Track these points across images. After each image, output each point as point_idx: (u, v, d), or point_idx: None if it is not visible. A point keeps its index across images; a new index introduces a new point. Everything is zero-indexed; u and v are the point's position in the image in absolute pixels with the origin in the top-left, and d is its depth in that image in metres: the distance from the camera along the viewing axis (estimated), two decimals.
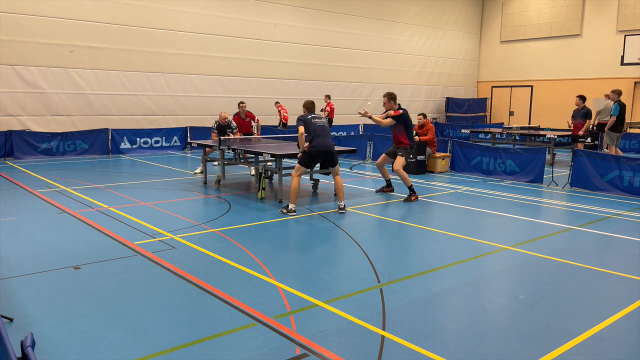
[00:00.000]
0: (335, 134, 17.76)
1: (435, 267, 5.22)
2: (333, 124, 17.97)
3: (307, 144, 7.78)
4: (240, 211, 7.69)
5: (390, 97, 8.72)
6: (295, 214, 7.49)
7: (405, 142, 8.85)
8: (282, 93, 19.09)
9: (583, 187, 9.98)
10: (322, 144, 7.70)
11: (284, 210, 7.53)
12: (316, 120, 7.83)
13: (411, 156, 9.46)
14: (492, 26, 25.68)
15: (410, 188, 8.70)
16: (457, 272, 5.08)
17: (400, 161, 8.80)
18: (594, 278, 4.99)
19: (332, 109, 17.71)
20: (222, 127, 11.08)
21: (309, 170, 8.19)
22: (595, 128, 16.78)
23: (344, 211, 7.68)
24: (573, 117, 13.93)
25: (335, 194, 9.07)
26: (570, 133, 13.92)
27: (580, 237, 6.55)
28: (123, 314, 3.99)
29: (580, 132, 13.13)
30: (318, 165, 9.37)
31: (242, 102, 12.35)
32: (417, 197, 8.68)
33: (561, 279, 4.95)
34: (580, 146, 12.96)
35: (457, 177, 11.56)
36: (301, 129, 7.74)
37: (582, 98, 13.12)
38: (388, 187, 9.36)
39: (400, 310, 4.14)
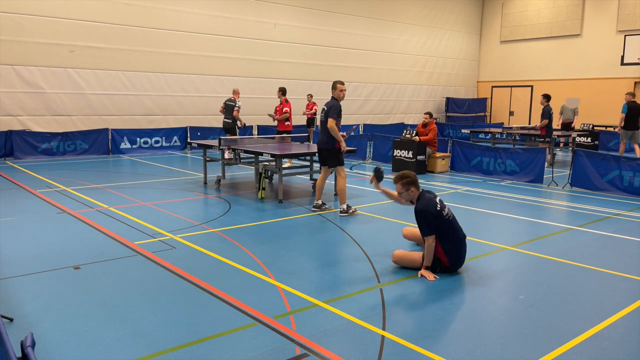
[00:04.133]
0: None
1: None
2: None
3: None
4: (240, 211, 7.69)
5: (404, 181, 5.14)
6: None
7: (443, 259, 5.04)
8: None
9: (583, 187, 9.97)
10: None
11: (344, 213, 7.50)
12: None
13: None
14: (492, 26, 25.68)
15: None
16: (457, 272, 5.08)
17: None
18: (594, 278, 4.99)
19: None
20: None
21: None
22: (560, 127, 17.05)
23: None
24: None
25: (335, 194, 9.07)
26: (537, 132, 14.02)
27: (580, 237, 6.55)
28: (123, 314, 3.99)
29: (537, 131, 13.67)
30: (318, 165, 9.40)
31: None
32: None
33: (561, 279, 4.95)
34: (542, 146, 13.15)
35: (457, 177, 11.56)
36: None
37: (545, 97, 13.37)
38: None
39: (400, 310, 4.14)
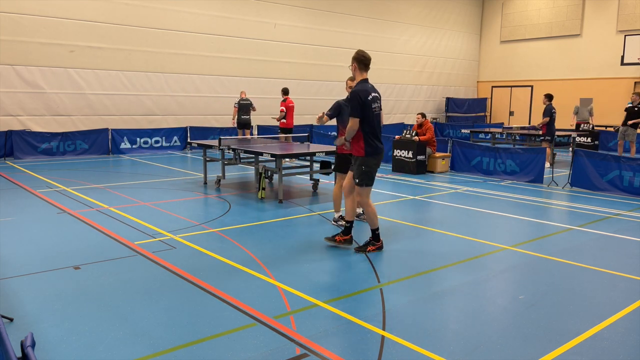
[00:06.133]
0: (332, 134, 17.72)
1: (435, 267, 5.22)
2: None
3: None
4: (240, 211, 7.69)
5: (355, 56, 5.49)
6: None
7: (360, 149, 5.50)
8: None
9: (583, 187, 9.97)
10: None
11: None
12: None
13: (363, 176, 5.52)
14: (492, 26, 25.68)
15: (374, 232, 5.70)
16: (457, 272, 5.08)
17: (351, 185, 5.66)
18: (594, 278, 4.99)
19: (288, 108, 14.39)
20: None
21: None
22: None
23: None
24: None
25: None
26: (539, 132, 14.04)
27: (580, 237, 6.55)
28: (123, 314, 3.99)
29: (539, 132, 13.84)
30: (318, 165, 9.38)
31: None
32: (377, 247, 5.69)
33: (561, 279, 4.95)
34: (543, 144, 13.20)
35: (457, 177, 11.56)
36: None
37: (547, 96, 13.38)
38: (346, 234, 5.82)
39: (400, 310, 4.14)
